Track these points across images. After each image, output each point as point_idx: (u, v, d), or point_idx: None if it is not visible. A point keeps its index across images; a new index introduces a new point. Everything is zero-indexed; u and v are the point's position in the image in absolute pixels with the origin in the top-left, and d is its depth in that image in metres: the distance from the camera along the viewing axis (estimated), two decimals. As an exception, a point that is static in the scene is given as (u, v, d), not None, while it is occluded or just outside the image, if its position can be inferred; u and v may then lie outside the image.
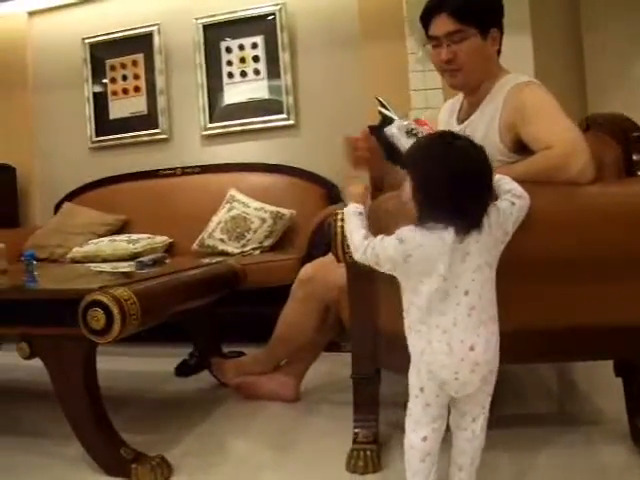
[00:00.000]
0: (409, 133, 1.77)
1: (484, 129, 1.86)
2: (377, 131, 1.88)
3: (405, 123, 1.79)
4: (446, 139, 1.36)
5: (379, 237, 1.39)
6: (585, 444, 1.78)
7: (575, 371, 2.56)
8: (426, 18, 1.92)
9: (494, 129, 1.83)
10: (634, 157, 1.71)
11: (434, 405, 1.34)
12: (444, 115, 2.20)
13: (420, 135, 1.72)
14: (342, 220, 1.59)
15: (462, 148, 1.32)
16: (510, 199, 1.40)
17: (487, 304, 1.32)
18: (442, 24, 1.86)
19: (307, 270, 2.27)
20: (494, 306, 1.34)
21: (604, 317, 1.57)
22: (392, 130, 1.80)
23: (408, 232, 1.31)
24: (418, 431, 1.35)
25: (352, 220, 1.48)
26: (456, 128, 2.01)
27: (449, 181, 1.26)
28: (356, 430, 1.77)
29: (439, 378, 1.30)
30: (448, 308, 1.28)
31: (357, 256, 1.43)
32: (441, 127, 2.15)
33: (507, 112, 1.80)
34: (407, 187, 1.36)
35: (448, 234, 1.27)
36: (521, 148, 1.76)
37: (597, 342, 1.66)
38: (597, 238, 1.51)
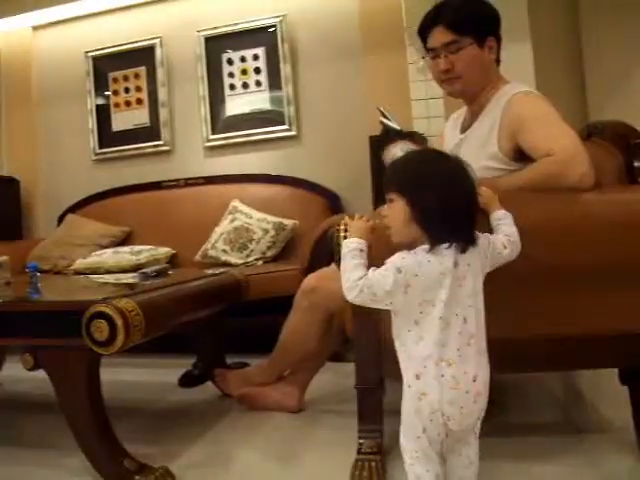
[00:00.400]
0: None
1: (483, 138, 1.87)
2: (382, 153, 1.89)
3: (409, 147, 1.81)
4: (440, 157, 1.34)
5: (370, 272, 1.29)
6: (591, 453, 1.77)
7: (580, 380, 2.55)
8: (424, 31, 1.99)
9: (493, 138, 1.84)
10: (635, 164, 1.72)
11: (436, 442, 1.27)
12: (449, 127, 2.23)
13: None
14: (344, 230, 1.50)
15: (457, 165, 1.30)
16: (505, 242, 1.39)
17: (482, 332, 1.29)
18: (439, 36, 1.93)
19: (310, 280, 2.27)
20: (485, 333, 1.31)
21: (607, 325, 1.56)
22: (397, 152, 1.81)
23: (404, 259, 1.25)
24: (422, 466, 1.28)
25: (350, 257, 1.33)
26: (458, 138, 2.03)
27: (454, 199, 1.25)
28: (360, 440, 1.76)
29: (446, 415, 1.24)
30: (450, 338, 1.24)
31: (351, 297, 1.30)
32: (447, 139, 2.17)
33: (506, 121, 1.82)
34: (394, 210, 1.31)
35: (449, 254, 1.24)
36: (521, 157, 1.77)
37: (601, 350, 1.66)
38: (598, 245, 1.51)
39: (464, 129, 2.05)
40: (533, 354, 1.65)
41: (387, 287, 1.24)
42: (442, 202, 1.25)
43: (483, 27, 1.93)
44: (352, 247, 1.35)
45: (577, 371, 2.55)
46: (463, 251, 1.26)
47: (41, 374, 1.77)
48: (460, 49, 1.90)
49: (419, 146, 1.82)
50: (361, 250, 1.35)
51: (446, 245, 1.24)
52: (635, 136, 1.78)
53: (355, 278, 1.29)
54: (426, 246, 1.25)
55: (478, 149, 1.87)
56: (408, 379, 1.27)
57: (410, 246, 1.28)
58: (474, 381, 1.24)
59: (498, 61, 2.00)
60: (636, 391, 1.78)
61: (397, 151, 1.81)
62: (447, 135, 2.20)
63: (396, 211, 1.30)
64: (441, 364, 1.23)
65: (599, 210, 1.56)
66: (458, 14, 1.92)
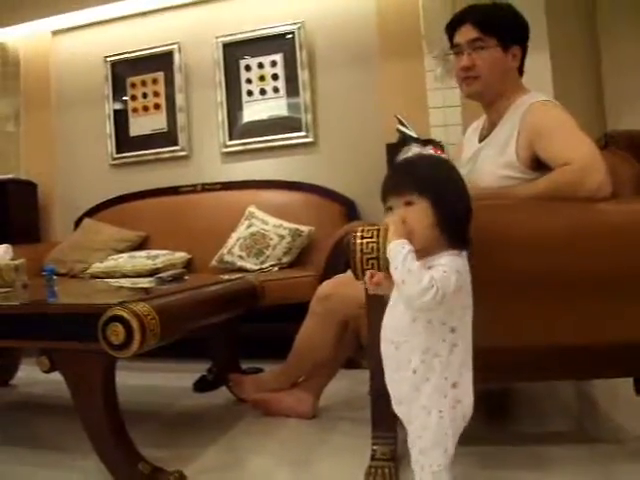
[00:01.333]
0: None
1: (500, 147, 1.87)
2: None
3: (418, 149, 1.80)
4: (448, 162, 1.40)
5: (432, 274, 1.18)
6: (605, 463, 1.75)
7: (595, 389, 2.53)
8: (452, 27, 2.01)
9: (511, 147, 1.83)
10: (653, 174, 1.71)
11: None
12: (468, 136, 2.22)
13: None
14: (361, 237, 1.38)
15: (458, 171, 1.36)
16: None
17: None
18: (465, 32, 1.94)
19: (325, 287, 2.27)
20: None
21: (623, 334, 1.55)
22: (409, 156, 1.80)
23: (455, 261, 1.22)
24: (449, 473, 1.26)
25: (410, 259, 1.19)
26: (476, 146, 2.03)
27: (469, 204, 1.28)
28: (374, 447, 1.76)
29: (467, 418, 1.27)
30: (469, 341, 1.27)
31: (428, 298, 1.16)
32: (465, 148, 2.17)
33: (524, 131, 1.81)
34: (416, 213, 1.24)
35: (466, 260, 1.26)
36: (538, 166, 1.76)
37: (616, 360, 1.65)
38: (614, 255, 1.50)
39: (482, 138, 2.05)
40: (547, 363, 1.64)
41: (452, 288, 1.18)
42: (465, 205, 1.27)
43: (510, 33, 1.94)
44: (408, 249, 1.20)
45: (591, 380, 2.53)
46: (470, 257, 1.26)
47: (56, 376, 1.78)
48: (483, 48, 1.91)
49: (438, 151, 1.81)
50: (410, 251, 1.21)
51: (465, 251, 1.25)
52: (652, 146, 1.78)
53: (428, 279, 1.17)
54: (456, 251, 1.24)
55: (496, 158, 1.87)
56: (446, 389, 1.23)
57: (427, 252, 1.25)
58: None
59: (521, 72, 2.00)
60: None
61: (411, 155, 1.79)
62: (466, 145, 2.20)
63: (418, 214, 1.24)
64: (470, 370, 1.25)
65: (615, 219, 1.55)
66: (487, 15, 1.95)
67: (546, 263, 1.47)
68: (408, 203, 1.26)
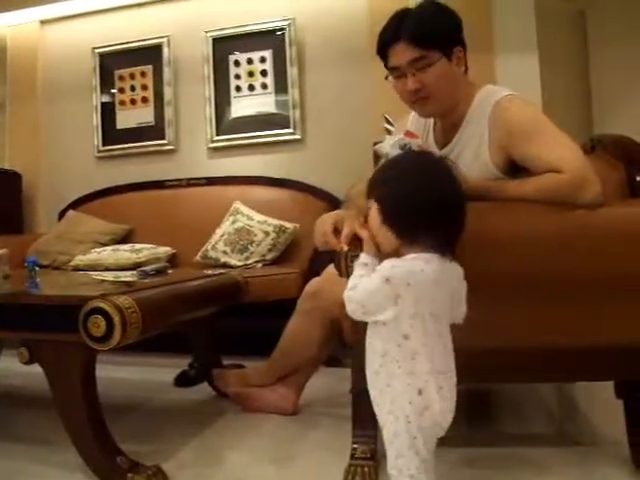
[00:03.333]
0: (403, 148, 1.62)
1: (472, 153, 1.78)
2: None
3: (396, 139, 1.69)
4: (408, 156, 1.38)
5: (355, 282, 1.27)
6: (584, 466, 1.77)
7: (576, 392, 2.55)
8: (384, 49, 1.80)
9: (484, 151, 1.75)
10: (638, 178, 1.71)
11: (430, 452, 1.26)
12: (414, 124, 2.02)
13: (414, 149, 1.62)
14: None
15: (449, 170, 1.32)
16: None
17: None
18: (402, 52, 1.74)
19: (313, 284, 2.27)
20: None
21: (604, 337, 1.56)
22: (385, 149, 1.69)
23: (394, 268, 1.21)
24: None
25: (356, 265, 1.33)
26: (436, 151, 1.88)
27: (414, 196, 1.23)
28: (354, 446, 1.76)
29: (441, 426, 1.24)
30: (441, 349, 1.25)
31: (347, 310, 1.29)
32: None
33: (496, 133, 1.73)
34: (371, 217, 1.31)
35: (437, 262, 1.23)
36: (512, 169, 1.72)
37: (597, 362, 1.65)
38: (598, 258, 1.50)
39: (441, 144, 1.92)
40: (531, 364, 1.64)
41: (374, 299, 1.22)
42: (399, 198, 1.25)
43: (449, 38, 1.77)
44: (359, 261, 1.32)
45: (573, 383, 2.54)
46: (446, 257, 1.24)
47: (36, 369, 1.77)
48: (429, 65, 1.73)
49: (406, 135, 1.69)
50: (365, 264, 1.30)
51: (431, 252, 1.22)
52: (638, 150, 1.78)
53: (350, 285, 1.27)
54: (416, 254, 1.23)
55: (467, 165, 1.76)
56: (410, 395, 1.22)
57: (397, 254, 1.26)
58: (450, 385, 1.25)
59: (466, 69, 1.86)
60: (631, 405, 1.77)
61: (387, 149, 1.67)
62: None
63: (372, 216, 1.30)
64: (439, 377, 1.22)
65: (600, 223, 1.55)
66: (422, 27, 1.73)
67: (532, 265, 1.47)
68: (368, 209, 1.33)
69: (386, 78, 1.84)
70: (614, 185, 1.75)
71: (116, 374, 2.84)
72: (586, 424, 2.21)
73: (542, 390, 2.58)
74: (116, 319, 1.61)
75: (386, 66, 1.83)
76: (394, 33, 1.75)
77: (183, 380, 2.74)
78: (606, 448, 1.89)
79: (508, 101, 1.74)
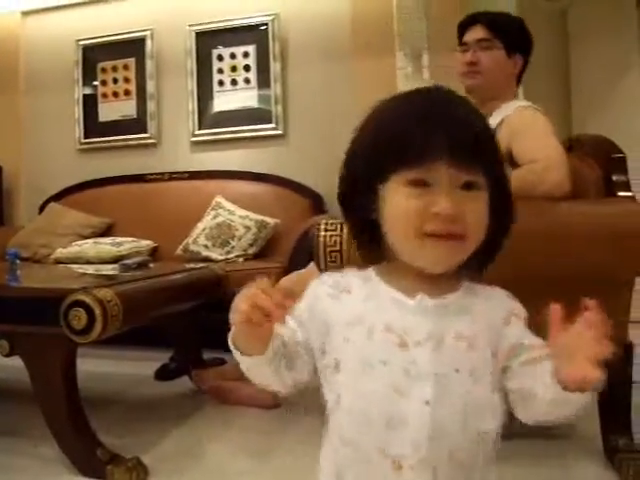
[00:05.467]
0: None
1: None
2: None
3: None
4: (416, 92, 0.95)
5: None
6: (558, 459, 1.80)
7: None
8: (464, 25, 2.16)
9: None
10: (614, 177, 1.75)
11: None
12: None
13: None
14: (325, 230, 1.45)
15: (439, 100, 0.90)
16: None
17: None
18: (475, 32, 2.10)
19: (286, 281, 2.29)
20: None
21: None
22: None
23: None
24: None
25: None
26: None
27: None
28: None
29: None
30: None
31: None
32: None
33: (502, 131, 1.89)
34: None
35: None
36: (512, 165, 1.81)
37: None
38: (559, 256, 1.54)
39: None
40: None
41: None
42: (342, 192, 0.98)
43: (516, 41, 2.09)
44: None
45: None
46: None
47: (15, 362, 1.77)
48: (490, 48, 2.06)
49: None
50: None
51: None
52: (614, 151, 1.82)
53: None
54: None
55: None
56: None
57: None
58: None
59: (519, 81, 2.18)
60: (604, 401, 1.81)
61: None
62: None
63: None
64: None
65: (560, 220, 1.59)
66: (498, 20, 2.11)
67: (503, 263, 1.49)
68: None
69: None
70: (591, 183, 1.80)
71: (96, 367, 2.84)
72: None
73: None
74: (97, 312, 1.63)
75: (459, 41, 2.16)
76: (476, 16, 2.14)
77: (164, 374, 2.74)
78: (580, 441, 1.93)
79: (523, 108, 2.00)
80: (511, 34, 2.09)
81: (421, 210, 0.81)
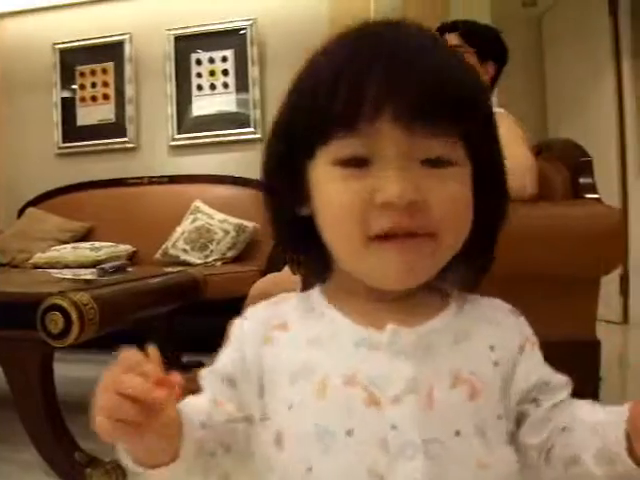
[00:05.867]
0: None
1: None
2: None
3: None
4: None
5: None
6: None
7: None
8: (440, 33, 2.14)
9: None
10: (581, 180, 1.80)
11: None
12: None
13: None
14: None
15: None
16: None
17: None
18: (449, 39, 2.10)
19: (259, 285, 2.31)
20: None
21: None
22: None
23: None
24: None
25: None
26: None
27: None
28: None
29: None
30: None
31: None
32: None
33: None
34: None
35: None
36: None
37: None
38: (516, 257, 1.59)
39: None
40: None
41: None
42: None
43: (489, 49, 2.14)
44: None
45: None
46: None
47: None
48: (462, 54, 2.03)
49: None
50: None
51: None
52: (581, 154, 1.87)
53: None
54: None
55: None
56: None
57: None
58: None
59: (492, 88, 2.23)
60: (573, 397, 1.85)
61: None
62: None
63: None
64: None
65: (524, 223, 1.63)
66: (472, 28, 2.17)
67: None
68: None
69: None
70: (558, 186, 1.84)
71: (72, 372, 2.83)
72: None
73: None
74: (74, 316, 1.64)
75: None
76: (451, 24, 2.19)
77: (142, 377, 2.75)
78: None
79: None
80: (484, 42, 2.14)
81: (362, 201, 0.56)
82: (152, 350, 0.57)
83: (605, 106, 3.97)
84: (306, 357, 0.61)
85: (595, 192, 1.77)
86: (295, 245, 0.69)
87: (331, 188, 0.59)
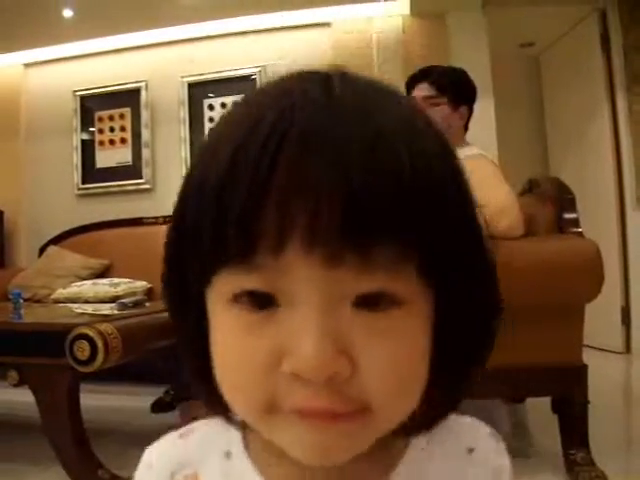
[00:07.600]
0: None
1: None
2: None
3: None
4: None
5: None
6: (520, 475, 1.94)
7: (519, 408, 2.75)
8: (411, 83, 2.29)
9: None
10: (565, 215, 1.94)
11: None
12: None
13: None
14: None
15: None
16: None
17: None
18: (421, 89, 2.23)
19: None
20: None
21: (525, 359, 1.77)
22: None
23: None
24: None
25: None
26: None
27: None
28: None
29: None
30: None
31: None
32: None
33: None
34: None
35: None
36: None
37: (532, 381, 1.86)
38: (509, 288, 1.72)
39: None
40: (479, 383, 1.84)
41: None
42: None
43: (460, 95, 2.23)
44: None
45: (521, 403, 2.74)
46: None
47: (18, 395, 1.92)
48: (436, 104, 2.18)
49: None
50: None
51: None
52: (566, 192, 2.02)
53: None
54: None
55: None
56: None
57: None
58: None
59: (466, 128, 2.30)
60: (564, 418, 1.98)
61: None
62: None
63: None
64: None
65: (508, 257, 1.75)
66: (443, 77, 2.25)
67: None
68: None
69: None
70: (544, 221, 1.99)
71: (95, 402, 2.96)
72: (528, 437, 2.40)
73: (491, 407, 2.75)
74: (99, 344, 1.79)
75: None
76: (424, 73, 2.28)
77: (159, 406, 2.87)
78: (542, 458, 2.08)
79: (471, 160, 2.04)
80: (456, 88, 2.24)
81: (264, 365, 0.39)
82: None
83: (602, 137, 4.09)
84: None
85: (578, 226, 1.91)
86: (202, 376, 0.49)
87: (226, 339, 0.42)
